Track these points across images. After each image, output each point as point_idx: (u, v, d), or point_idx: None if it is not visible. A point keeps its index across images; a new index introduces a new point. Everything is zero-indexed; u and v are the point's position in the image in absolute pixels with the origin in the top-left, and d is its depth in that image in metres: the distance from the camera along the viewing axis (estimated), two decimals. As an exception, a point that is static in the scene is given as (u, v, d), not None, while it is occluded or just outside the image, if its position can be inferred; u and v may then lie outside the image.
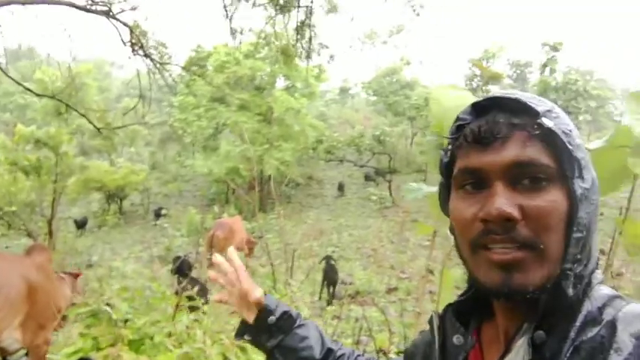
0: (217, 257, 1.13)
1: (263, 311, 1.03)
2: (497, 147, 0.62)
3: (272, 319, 1.01)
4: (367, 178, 22.56)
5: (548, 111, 0.63)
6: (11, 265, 3.72)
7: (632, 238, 1.81)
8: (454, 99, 1.81)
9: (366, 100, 31.65)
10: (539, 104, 0.63)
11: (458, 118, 0.69)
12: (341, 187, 21.92)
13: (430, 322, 0.78)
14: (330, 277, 8.75)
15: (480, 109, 0.67)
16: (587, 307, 0.61)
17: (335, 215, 18.13)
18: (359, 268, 11.43)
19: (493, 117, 0.64)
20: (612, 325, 0.57)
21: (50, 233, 12.76)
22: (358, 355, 1.04)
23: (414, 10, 7.30)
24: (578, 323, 0.59)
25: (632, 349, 0.54)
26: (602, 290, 0.63)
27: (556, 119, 0.62)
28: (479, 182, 0.64)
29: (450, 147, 0.69)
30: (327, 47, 7.60)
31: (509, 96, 0.64)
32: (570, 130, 0.63)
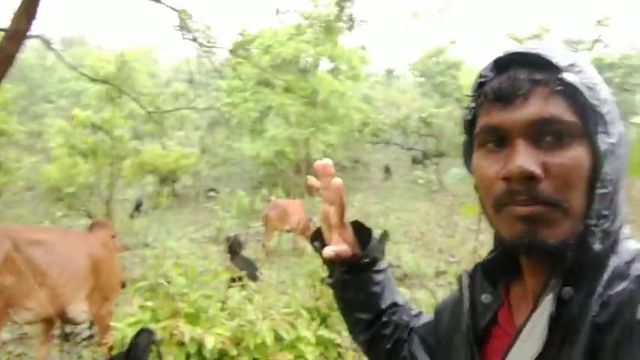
0: (318, 162, 1.03)
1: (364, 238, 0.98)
2: (518, 104, 0.61)
3: (357, 254, 0.96)
4: (414, 161, 22.25)
5: (571, 65, 0.61)
6: (76, 242, 3.94)
7: None
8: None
9: (412, 81, 31.10)
10: (562, 58, 0.61)
11: (480, 75, 0.68)
12: (387, 170, 21.73)
13: (459, 280, 0.79)
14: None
15: (501, 65, 0.65)
16: (615, 261, 0.60)
17: (381, 198, 18.03)
18: (407, 251, 11.35)
19: (514, 73, 0.62)
20: None
21: (108, 214, 13.35)
22: (413, 314, 1.02)
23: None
24: (605, 278, 0.58)
25: None
26: (629, 245, 0.62)
27: (580, 73, 0.61)
28: (500, 140, 0.63)
29: (472, 104, 0.68)
30: (366, 22, 7.51)
31: (531, 51, 0.63)
32: (595, 84, 0.61)
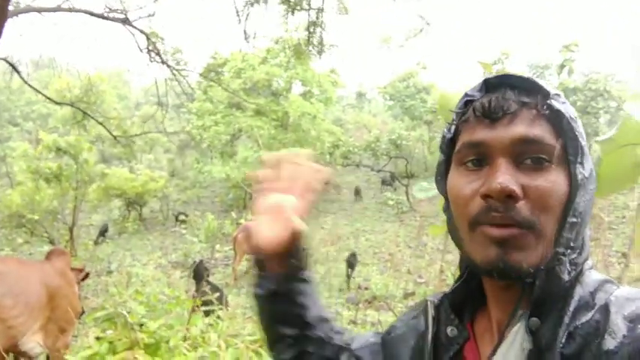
0: (266, 155, 0.97)
1: (294, 249, 0.86)
2: (504, 122, 0.62)
3: (292, 262, 0.86)
4: (384, 182, 22.46)
5: (557, 95, 0.63)
6: (31, 271, 3.80)
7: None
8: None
9: (382, 104, 31.60)
10: (550, 87, 0.63)
11: (466, 94, 0.68)
12: (358, 192, 21.85)
13: (424, 311, 0.76)
14: (350, 262, 10.44)
15: (490, 86, 0.67)
16: (579, 292, 0.60)
17: (352, 220, 18.08)
18: (376, 272, 11.37)
19: (503, 93, 0.63)
20: (605, 309, 0.57)
21: (71, 240, 12.97)
22: (339, 330, 0.92)
23: (424, 19, 7.29)
24: (571, 309, 0.58)
25: (627, 332, 0.53)
26: (592, 275, 0.63)
27: (564, 104, 0.62)
28: (481, 158, 0.63)
29: (454, 122, 0.68)
30: (336, 46, 7.61)
31: (521, 75, 0.64)
32: (575, 117, 0.63)
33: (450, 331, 0.71)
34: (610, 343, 0.53)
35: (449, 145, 0.69)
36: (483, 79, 0.68)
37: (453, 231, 0.69)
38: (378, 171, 23.31)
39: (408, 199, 19.44)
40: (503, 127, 0.62)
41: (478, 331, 0.71)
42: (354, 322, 5.68)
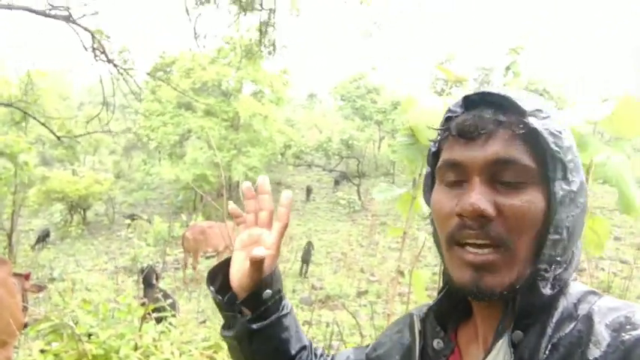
0: (246, 184, 0.94)
1: (263, 283, 0.83)
2: (480, 142, 0.62)
3: (267, 293, 0.83)
4: (337, 182, 22.61)
5: (538, 110, 0.62)
6: (-33, 281, 3.56)
7: (591, 234, 1.87)
8: (427, 103, 1.87)
9: (333, 105, 31.84)
10: (528, 103, 0.62)
11: (448, 110, 0.68)
12: (309, 191, 21.89)
13: (411, 325, 0.76)
14: (305, 257, 11.11)
15: (470, 103, 0.66)
16: (563, 303, 0.61)
17: (304, 220, 18.10)
18: (329, 272, 11.43)
19: (480, 112, 0.63)
20: (589, 319, 0.58)
21: (10, 247, 12.29)
22: (319, 353, 0.94)
23: (376, 21, 7.40)
24: (554, 320, 0.59)
25: (610, 341, 0.54)
26: (575, 286, 0.64)
27: (545, 119, 0.62)
28: (459, 176, 0.64)
29: (438, 137, 0.69)
30: (288, 47, 7.62)
31: (499, 92, 0.63)
32: (560, 131, 0.62)
33: (437, 344, 0.71)
34: (594, 352, 0.54)
35: (433, 159, 0.70)
36: (464, 95, 0.67)
37: (437, 243, 0.70)
38: (330, 171, 23.49)
39: (359, 198, 19.67)
40: (479, 147, 0.62)
41: (463, 343, 0.72)
42: (308, 323, 5.68)
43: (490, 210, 0.59)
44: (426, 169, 0.74)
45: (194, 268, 10.46)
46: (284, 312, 0.86)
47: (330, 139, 22.32)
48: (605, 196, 13.88)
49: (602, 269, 8.97)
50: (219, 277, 0.88)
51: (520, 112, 0.61)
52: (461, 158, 0.63)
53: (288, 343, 0.86)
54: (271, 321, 0.84)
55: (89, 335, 3.09)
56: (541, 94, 21.56)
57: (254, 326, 0.82)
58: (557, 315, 0.60)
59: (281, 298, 0.87)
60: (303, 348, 0.90)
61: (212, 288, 0.88)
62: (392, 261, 11.45)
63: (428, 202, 0.72)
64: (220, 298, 0.86)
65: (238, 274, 0.84)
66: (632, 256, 9.80)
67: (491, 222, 0.59)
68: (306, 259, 11.15)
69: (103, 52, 7.44)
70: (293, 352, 0.87)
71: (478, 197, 0.59)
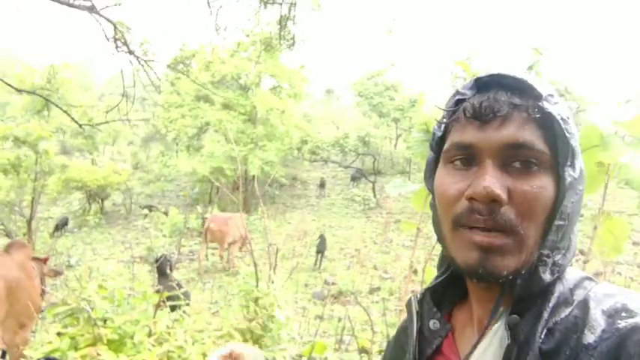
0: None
1: None
2: (495, 125, 0.61)
3: None
4: (353, 179, 22.54)
5: (550, 95, 0.62)
6: (-12, 264, 3.65)
7: (608, 235, 1.84)
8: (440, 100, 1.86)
9: (351, 101, 31.76)
10: (542, 87, 0.62)
11: (457, 92, 0.67)
12: (322, 185, 21.85)
13: (409, 306, 0.76)
14: (320, 247, 11.53)
15: (482, 85, 0.65)
16: (560, 288, 0.61)
17: (319, 216, 18.12)
18: (342, 268, 11.45)
19: (494, 94, 0.62)
20: (584, 305, 0.58)
21: (29, 233, 12.53)
22: None
23: (396, 18, 7.35)
24: (550, 305, 0.59)
25: (606, 326, 0.54)
26: (572, 272, 0.64)
27: (556, 105, 0.61)
28: (469, 158, 0.63)
29: (444, 120, 0.67)
30: (307, 42, 7.62)
31: (514, 75, 0.63)
32: (568, 118, 0.62)
33: (433, 324, 0.72)
34: (589, 338, 0.54)
35: (438, 143, 0.68)
36: (475, 77, 0.66)
37: (436, 227, 0.69)
38: (346, 167, 23.44)
39: (374, 195, 19.61)
40: (494, 129, 0.61)
41: (457, 325, 0.72)
42: (320, 318, 5.70)
43: (503, 195, 0.58)
44: (429, 155, 0.72)
45: (221, 257, 10.92)
46: None
47: (347, 136, 22.28)
48: (626, 201, 13.62)
49: (619, 274, 8.83)
50: None
51: (536, 96, 0.61)
52: (474, 140, 0.62)
53: None
54: None
55: (104, 320, 3.14)
56: (562, 95, 21.30)
57: None
58: (553, 300, 0.59)
59: None
60: None
61: None
62: (405, 259, 11.41)
63: (429, 187, 0.71)
64: None
65: None
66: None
67: (501, 207, 0.59)
68: (321, 249, 11.56)
69: (125, 44, 7.51)
70: None
71: (492, 181, 0.58)
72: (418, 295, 0.76)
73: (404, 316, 0.81)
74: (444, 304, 0.74)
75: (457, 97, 0.66)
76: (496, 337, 0.62)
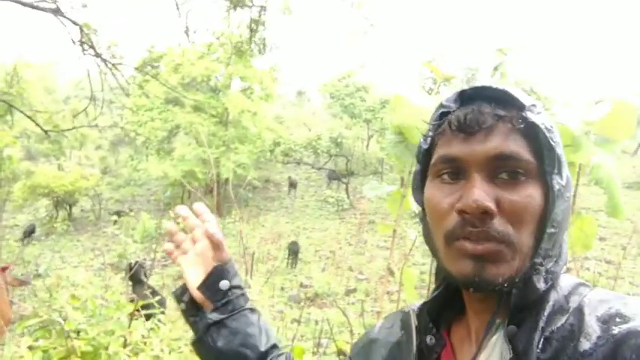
0: (181, 209, 0.97)
1: (217, 272, 0.89)
2: (480, 137, 0.61)
3: (225, 283, 0.89)
4: (331, 178, 22.51)
5: (533, 105, 0.62)
6: (-48, 277, 3.51)
7: (579, 233, 1.90)
8: (416, 102, 1.87)
9: (322, 103, 31.83)
10: (525, 98, 0.62)
11: (441, 105, 0.67)
12: (292, 185, 21.81)
13: (406, 320, 0.76)
14: (292, 249, 11.69)
15: (466, 97, 0.66)
16: (554, 296, 0.61)
17: (293, 218, 18.10)
18: (318, 270, 11.45)
19: (479, 106, 0.62)
20: (579, 312, 0.58)
21: (-6, 242, 12.10)
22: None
23: (367, 20, 7.40)
24: (546, 313, 0.59)
25: (601, 333, 0.54)
26: (566, 279, 0.65)
27: (539, 115, 0.62)
28: (457, 172, 0.63)
29: (430, 134, 0.67)
30: (278, 47, 7.62)
31: (497, 87, 0.63)
32: (552, 127, 0.62)
33: (429, 339, 0.71)
34: (585, 345, 0.54)
35: (425, 156, 0.69)
36: (459, 90, 0.67)
37: (428, 241, 0.69)
38: (319, 169, 23.49)
39: (348, 196, 19.71)
40: (479, 142, 0.61)
41: (456, 340, 0.72)
42: (297, 321, 5.68)
43: (493, 206, 0.59)
44: (415, 167, 0.72)
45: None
46: (248, 306, 0.91)
47: (320, 137, 22.33)
48: (591, 198, 14.06)
49: (588, 269, 9.11)
50: (186, 294, 0.93)
51: (519, 107, 0.62)
52: (460, 154, 0.62)
53: (255, 338, 0.88)
54: (233, 313, 0.88)
55: (78, 332, 3.06)
56: (528, 95, 21.83)
57: (214, 317, 0.87)
58: (548, 308, 0.60)
59: (244, 295, 0.91)
60: (274, 347, 0.91)
61: (185, 298, 0.92)
62: (380, 260, 11.50)
63: (418, 200, 0.71)
64: (184, 305, 0.91)
65: (195, 277, 0.90)
66: (617, 257, 9.96)
67: (493, 219, 0.59)
68: (293, 252, 11.73)
69: (91, 46, 7.34)
70: (262, 348, 0.89)
71: (481, 193, 0.59)
72: (416, 310, 0.76)
73: (382, 317, 0.80)
74: (441, 319, 0.74)
75: (442, 110, 0.67)
76: (495, 349, 0.62)
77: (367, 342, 0.83)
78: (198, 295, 0.89)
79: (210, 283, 0.89)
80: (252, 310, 0.92)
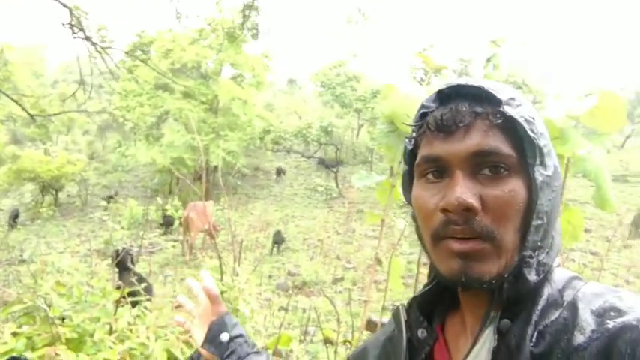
0: (190, 281, 1.07)
1: (215, 327, 0.98)
2: (459, 136, 0.61)
3: (225, 335, 0.96)
4: (321, 163, 22.56)
5: (512, 98, 0.62)
6: None
7: (566, 225, 1.91)
8: (407, 91, 1.86)
9: (313, 91, 31.70)
10: (502, 92, 0.62)
11: (422, 106, 0.67)
12: (280, 173, 21.83)
13: (397, 315, 0.76)
14: (276, 238, 11.98)
15: (444, 97, 0.66)
16: (548, 290, 0.61)
17: (281, 206, 18.09)
18: (305, 259, 11.48)
19: (456, 105, 0.63)
20: (573, 306, 0.58)
21: (-22, 226, 11.98)
22: None
23: (361, 12, 7.36)
24: (539, 307, 0.59)
25: (595, 326, 0.54)
26: (560, 272, 0.65)
27: (519, 107, 0.62)
28: (440, 171, 0.63)
29: (414, 134, 0.68)
30: (270, 33, 7.61)
31: (473, 84, 0.63)
32: (533, 118, 0.62)
33: (421, 333, 0.71)
34: (579, 339, 0.54)
35: (410, 157, 0.69)
36: (437, 90, 0.67)
37: (420, 239, 0.69)
38: (309, 157, 23.47)
39: (337, 185, 19.73)
40: (458, 140, 0.61)
41: (451, 335, 0.72)
42: (284, 309, 5.70)
43: (476, 203, 0.59)
44: (403, 167, 0.73)
45: (191, 247, 11.09)
46: (253, 351, 0.97)
47: (310, 126, 22.28)
48: (578, 190, 14.21)
49: (573, 260, 9.23)
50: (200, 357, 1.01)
51: (496, 102, 0.62)
52: (441, 153, 0.62)
53: None
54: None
55: (62, 318, 3.03)
56: (520, 87, 21.88)
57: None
58: (542, 302, 0.60)
59: (247, 342, 0.98)
60: None
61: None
62: (368, 249, 11.55)
63: (408, 200, 0.71)
64: None
65: (201, 337, 0.99)
66: (602, 248, 10.10)
67: (476, 215, 0.59)
68: (277, 240, 12.03)
69: (81, 29, 7.21)
70: None
71: (463, 191, 0.59)
72: (406, 304, 0.76)
73: (369, 305, 0.81)
74: (435, 313, 0.74)
75: (422, 111, 0.67)
76: (487, 342, 0.62)
77: (363, 347, 0.85)
78: (205, 353, 0.97)
79: (211, 338, 0.97)
80: (258, 352, 0.98)
